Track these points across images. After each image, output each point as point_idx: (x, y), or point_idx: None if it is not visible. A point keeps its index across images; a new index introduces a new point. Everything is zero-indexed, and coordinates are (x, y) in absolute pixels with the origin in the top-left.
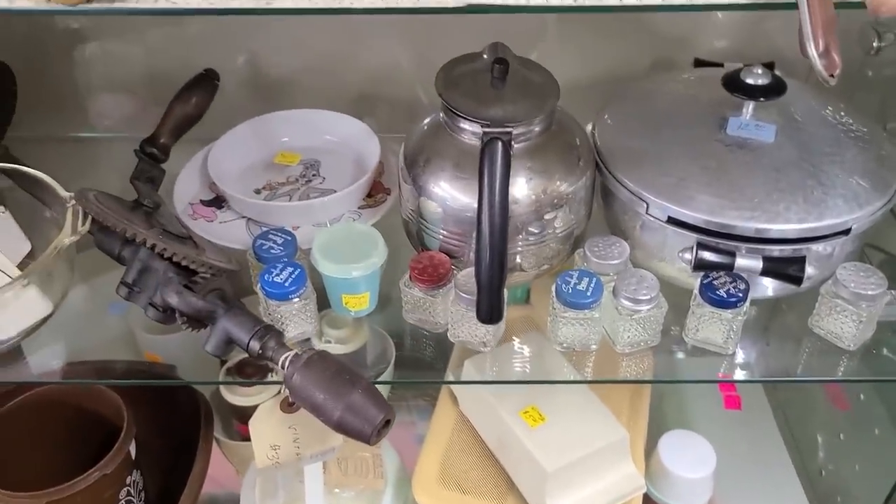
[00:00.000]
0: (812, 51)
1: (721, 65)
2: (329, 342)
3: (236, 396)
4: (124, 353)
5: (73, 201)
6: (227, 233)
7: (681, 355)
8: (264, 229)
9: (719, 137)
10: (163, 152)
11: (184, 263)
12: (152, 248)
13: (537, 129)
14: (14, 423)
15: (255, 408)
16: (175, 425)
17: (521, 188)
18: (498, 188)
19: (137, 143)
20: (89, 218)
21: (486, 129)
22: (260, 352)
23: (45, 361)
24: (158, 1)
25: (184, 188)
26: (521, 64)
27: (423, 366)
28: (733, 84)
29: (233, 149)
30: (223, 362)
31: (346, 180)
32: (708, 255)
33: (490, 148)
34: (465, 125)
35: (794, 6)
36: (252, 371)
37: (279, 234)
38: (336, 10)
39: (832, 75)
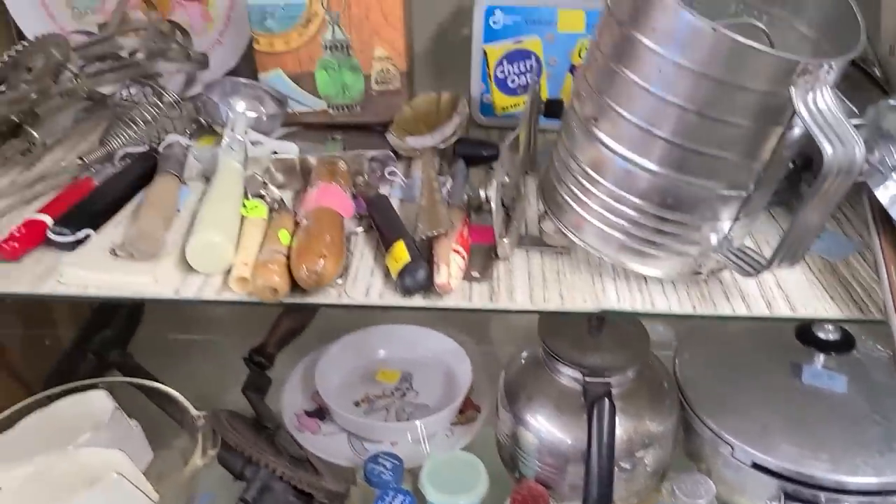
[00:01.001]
0: None
1: None
2: None
3: None
4: None
5: (205, 421)
6: (330, 446)
7: None
8: (372, 451)
9: (795, 385)
10: (269, 361)
11: (306, 490)
12: (281, 476)
13: (631, 376)
14: None
15: None
16: None
17: (616, 428)
18: (606, 443)
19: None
20: (219, 438)
21: (588, 379)
22: None
23: None
24: (342, 297)
25: (289, 398)
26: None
27: None
28: (806, 337)
29: (336, 362)
30: None
31: (437, 394)
32: None
33: (599, 405)
34: (566, 370)
35: (884, 323)
36: None
37: (388, 459)
38: (489, 310)
39: None
